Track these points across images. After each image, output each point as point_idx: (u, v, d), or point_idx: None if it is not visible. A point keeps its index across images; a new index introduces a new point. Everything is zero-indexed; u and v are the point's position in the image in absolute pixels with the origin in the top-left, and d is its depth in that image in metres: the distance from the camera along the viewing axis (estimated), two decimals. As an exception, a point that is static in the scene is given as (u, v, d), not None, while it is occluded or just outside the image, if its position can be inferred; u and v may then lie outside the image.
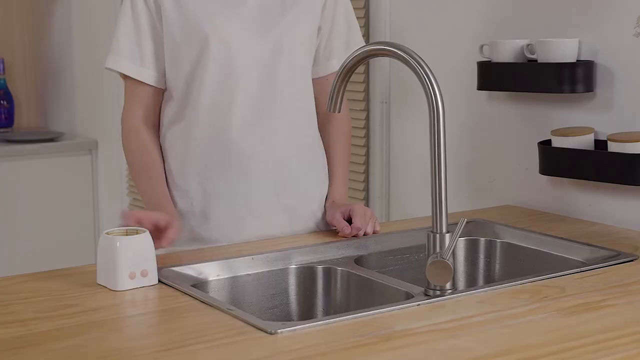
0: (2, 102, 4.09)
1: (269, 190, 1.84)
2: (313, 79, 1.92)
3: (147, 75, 1.83)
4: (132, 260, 1.49)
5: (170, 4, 1.79)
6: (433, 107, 1.46)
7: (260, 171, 1.83)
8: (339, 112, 1.61)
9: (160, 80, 1.85)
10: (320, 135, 1.95)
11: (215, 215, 1.83)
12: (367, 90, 2.63)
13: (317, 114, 1.93)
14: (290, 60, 1.84)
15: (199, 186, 1.84)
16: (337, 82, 1.58)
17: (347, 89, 1.60)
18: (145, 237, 1.52)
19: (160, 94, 1.87)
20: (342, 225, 1.82)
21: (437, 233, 1.47)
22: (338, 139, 1.97)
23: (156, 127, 1.88)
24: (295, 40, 1.84)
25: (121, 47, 1.82)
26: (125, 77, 1.86)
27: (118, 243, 1.50)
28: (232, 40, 1.79)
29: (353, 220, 1.82)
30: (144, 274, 1.50)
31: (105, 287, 1.49)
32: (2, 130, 4.08)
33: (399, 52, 1.50)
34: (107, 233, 1.52)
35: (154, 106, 1.87)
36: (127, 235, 1.52)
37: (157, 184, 1.83)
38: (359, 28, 1.98)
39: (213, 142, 1.82)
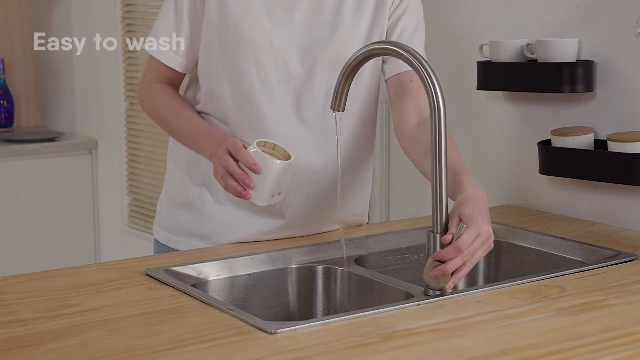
0: (2, 102, 4.09)
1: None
2: (387, 80, 1.83)
3: (177, 63, 1.83)
4: (280, 181, 1.64)
5: (215, 4, 1.76)
6: (434, 107, 1.46)
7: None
8: (343, 110, 1.59)
9: (188, 68, 1.85)
10: (414, 144, 1.81)
11: (222, 216, 1.81)
12: (367, 90, 2.62)
13: (401, 117, 1.83)
14: (327, 79, 1.76)
15: (205, 185, 1.82)
16: (341, 81, 1.57)
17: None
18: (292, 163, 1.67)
19: (183, 76, 1.89)
20: (450, 230, 1.47)
21: (437, 233, 1.47)
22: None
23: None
24: (344, 55, 1.69)
25: (159, 32, 1.84)
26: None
27: (277, 164, 1.63)
28: (269, 51, 1.74)
29: (461, 235, 1.45)
30: (280, 193, 1.67)
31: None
32: (2, 130, 4.08)
33: (401, 51, 1.50)
34: (264, 152, 1.63)
35: (174, 84, 1.88)
36: (273, 151, 1.67)
37: (198, 118, 1.81)
38: (424, 36, 1.89)
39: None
